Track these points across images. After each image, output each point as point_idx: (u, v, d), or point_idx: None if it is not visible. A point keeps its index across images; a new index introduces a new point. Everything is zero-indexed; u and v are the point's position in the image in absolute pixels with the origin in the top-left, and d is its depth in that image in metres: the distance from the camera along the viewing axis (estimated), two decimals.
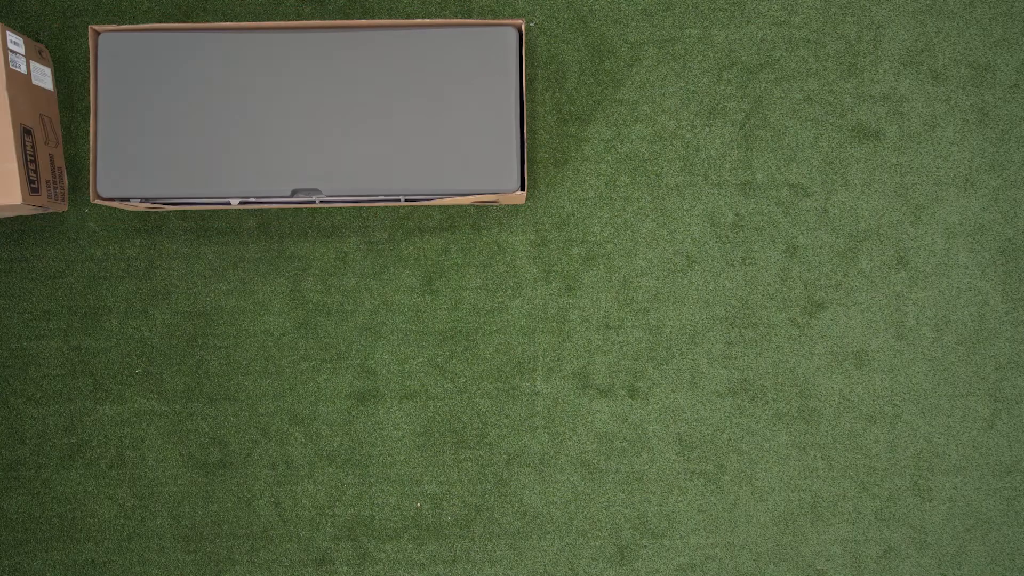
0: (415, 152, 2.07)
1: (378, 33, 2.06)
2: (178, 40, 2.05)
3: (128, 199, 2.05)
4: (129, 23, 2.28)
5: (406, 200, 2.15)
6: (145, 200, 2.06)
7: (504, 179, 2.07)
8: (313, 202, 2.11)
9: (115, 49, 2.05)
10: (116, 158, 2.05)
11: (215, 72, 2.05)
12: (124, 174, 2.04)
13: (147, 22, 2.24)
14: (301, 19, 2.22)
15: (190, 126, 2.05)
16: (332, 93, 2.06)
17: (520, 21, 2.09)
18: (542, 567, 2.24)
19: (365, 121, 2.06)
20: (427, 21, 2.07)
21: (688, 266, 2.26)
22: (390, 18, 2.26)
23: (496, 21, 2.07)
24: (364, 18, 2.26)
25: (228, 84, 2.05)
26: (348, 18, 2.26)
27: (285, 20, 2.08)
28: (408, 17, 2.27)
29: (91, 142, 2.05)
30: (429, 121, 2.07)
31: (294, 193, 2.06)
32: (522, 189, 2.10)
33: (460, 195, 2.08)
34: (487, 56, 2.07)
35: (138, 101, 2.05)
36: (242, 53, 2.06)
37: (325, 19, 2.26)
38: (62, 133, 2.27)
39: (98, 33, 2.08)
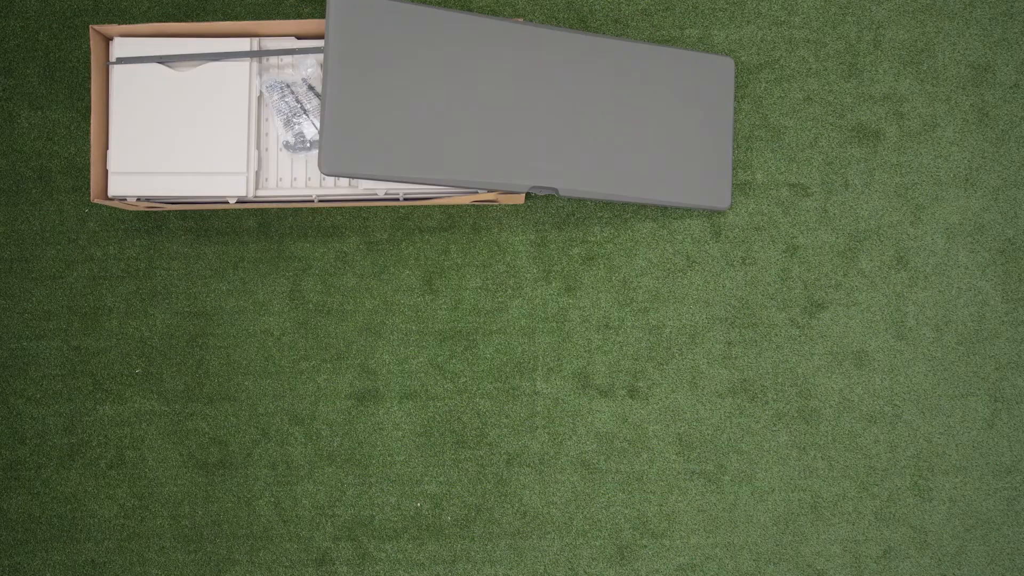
0: (640, 161, 2.14)
1: (613, 45, 2.12)
2: (421, 16, 1.96)
3: (355, 176, 1.94)
4: (129, 23, 2.28)
5: (405, 199, 2.15)
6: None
7: (718, 196, 2.21)
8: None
9: (350, 14, 1.90)
10: (345, 133, 1.91)
11: (458, 56, 1.99)
12: (352, 150, 1.92)
13: (147, 22, 2.24)
14: (301, 19, 2.22)
15: (428, 109, 1.97)
16: (567, 95, 2.08)
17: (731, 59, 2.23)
18: (542, 567, 2.24)
19: (598, 126, 2.10)
20: (656, 44, 2.17)
21: (688, 266, 2.26)
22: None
23: (714, 53, 2.22)
24: None
25: (469, 70, 2.01)
26: None
27: (285, 20, 2.08)
28: None
29: (91, 141, 2.05)
30: (654, 134, 2.15)
31: (531, 189, 2.07)
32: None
33: (666, 204, 2.18)
34: (706, 83, 2.19)
35: (371, 73, 1.92)
36: (485, 41, 2.02)
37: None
38: (64, 134, 2.27)
39: (99, 33, 2.08)
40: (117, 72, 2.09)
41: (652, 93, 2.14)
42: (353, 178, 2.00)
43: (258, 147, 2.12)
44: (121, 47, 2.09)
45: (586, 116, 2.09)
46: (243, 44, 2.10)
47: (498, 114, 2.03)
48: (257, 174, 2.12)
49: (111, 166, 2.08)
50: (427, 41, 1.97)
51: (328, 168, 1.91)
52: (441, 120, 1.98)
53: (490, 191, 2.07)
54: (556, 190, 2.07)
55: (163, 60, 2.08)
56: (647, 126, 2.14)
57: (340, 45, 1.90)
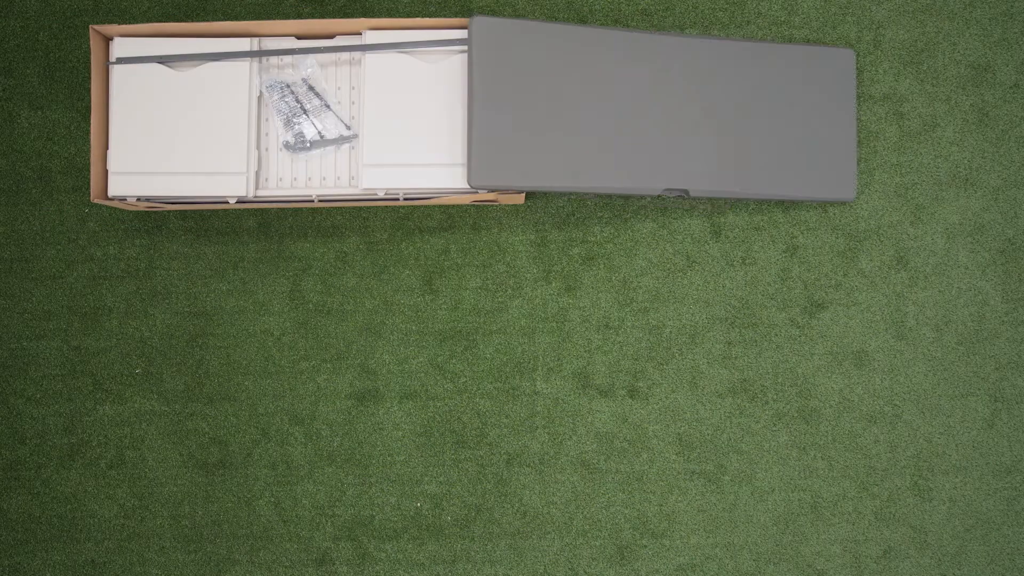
0: (766, 158, 2.17)
1: (730, 46, 2.16)
2: (550, 32, 2.07)
3: (501, 188, 2.05)
4: (129, 23, 2.28)
5: (405, 199, 2.16)
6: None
7: (843, 188, 2.22)
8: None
9: (489, 36, 2.04)
10: (490, 147, 2.04)
11: (588, 68, 2.09)
12: (497, 163, 2.04)
13: (147, 22, 2.24)
14: (301, 19, 2.22)
15: (563, 120, 2.08)
16: (694, 100, 2.14)
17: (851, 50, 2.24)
18: (542, 567, 2.24)
19: (725, 127, 2.15)
20: (771, 41, 2.20)
21: (688, 266, 2.26)
22: (410, 18, 2.27)
23: (834, 46, 2.23)
24: (363, 17, 2.27)
25: (599, 81, 2.09)
26: (346, 17, 2.26)
27: (285, 20, 2.08)
28: (408, 15, 2.27)
29: (91, 141, 2.05)
30: (779, 131, 2.18)
31: (664, 192, 2.12)
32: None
33: (791, 199, 2.20)
34: (826, 75, 2.21)
35: (511, 90, 2.05)
36: (608, 51, 2.10)
37: (327, 19, 2.26)
38: (64, 134, 2.27)
39: (99, 33, 2.08)
40: (117, 72, 2.09)
41: (776, 91, 2.19)
42: (499, 190, 2.09)
43: (258, 147, 2.12)
44: (121, 47, 2.09)
45: (713, 118, 2.15)
46: (243, 44, 2.10)
47: (629, 122, 2.10)
48: (257, 174, 2.12)
49: (111, 166, 2.08)
50: (559, 56, 2.07)
51: (476, 181, 2.03)
52: (576, 130, 2.08)
53: (626, 195, 2.14)
54: (687, 191, 2.13)
55: (163, 60, 2.08)
56: (772, 123, 2.18)
57: (482, 67, 2.04)
